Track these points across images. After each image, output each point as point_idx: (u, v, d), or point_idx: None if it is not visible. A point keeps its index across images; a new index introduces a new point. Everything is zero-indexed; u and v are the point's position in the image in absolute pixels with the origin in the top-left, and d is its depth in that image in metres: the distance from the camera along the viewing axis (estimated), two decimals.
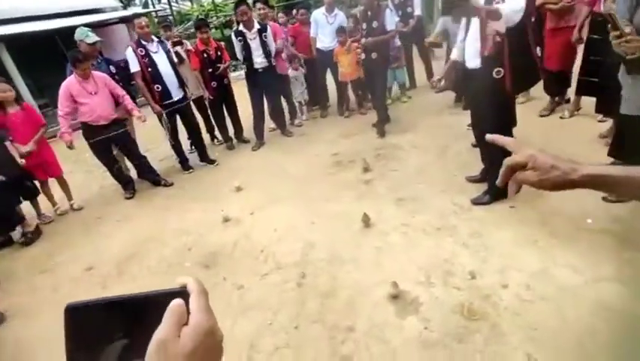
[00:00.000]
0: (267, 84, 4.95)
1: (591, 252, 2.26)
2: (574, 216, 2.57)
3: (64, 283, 3.02)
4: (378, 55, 4.47)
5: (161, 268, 2.97)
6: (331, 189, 3.65)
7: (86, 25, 4.43)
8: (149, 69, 4.25)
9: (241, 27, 4.71)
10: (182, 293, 0.43)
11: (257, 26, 4.73)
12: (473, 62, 2.76)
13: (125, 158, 4.56)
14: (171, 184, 4.51)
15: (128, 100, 4.13)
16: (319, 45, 5.35)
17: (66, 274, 3.13)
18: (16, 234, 3.71)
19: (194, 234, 3.35)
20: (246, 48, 4.74)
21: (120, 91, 4.09)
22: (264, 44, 4.74)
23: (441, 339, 1.90)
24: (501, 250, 2.40)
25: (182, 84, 4.56)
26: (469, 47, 2.77)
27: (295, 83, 5.55)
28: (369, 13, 4.37)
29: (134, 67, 4.25)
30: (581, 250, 2.29)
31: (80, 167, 5.65)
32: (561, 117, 3.99)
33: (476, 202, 2.97)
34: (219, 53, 4.89)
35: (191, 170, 4.80)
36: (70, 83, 3.83)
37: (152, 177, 4.55)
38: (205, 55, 4.78)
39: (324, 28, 5.26)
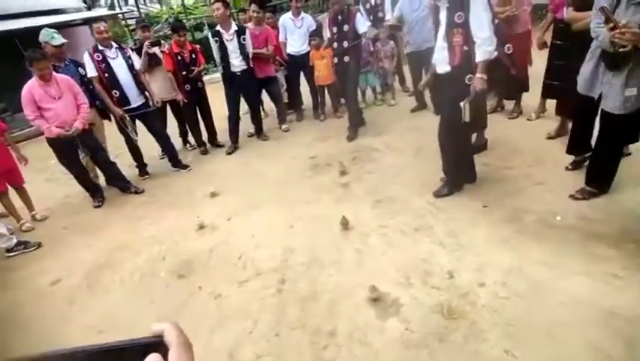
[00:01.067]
0: (245, 88, 4.87)
1: (561, 248, 2.35)
2: (543, 214, 2.67)
3: (29, 299, 2.85)
4: (351, 59, 4.49)
5: (134, 278, 2.85)
6: (309, 192, 3.64)
7: (47, 26, 4.22)
8: (106, 75, 4.15)
9: (219, 27, 4.64)
10: (159, 345, 0.37)
11: (234, 27, 4.65)
12: (442, 67, 2.87)
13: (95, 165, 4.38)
14: (142, 191, 4.36)
15: (83, 110, 3.86)
16: (289, 50, 5.32)
17: (30, 290, 2.95)
18: None
19: (169, 242, 3.24)
20: (223, 49, 4.64)
21: (81, 99, 3.87)
22: (242, 47, 4.65)
23: (422, 339, 1.91)
24: (476, 249, 2.45)
25: (142, 91, 4.43)
26: (438, 53, 2.86)
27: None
28: (339, 17, 4.38)
29: (91, 72, 4.12)
30: (551, 246, 2.38)
31: (43, 175, 5.37)
32: (528, 119, 4.16)
33: (437, 195, 3.11)
34: (194, 56, 4.80)
35: (147, 176, 4.72)
36: (32, 87, 3.60)
37: (121, 184, 4.39)
38: (179, 57, 4.68)
39: (292, 33, 5.24)
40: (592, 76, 2.56)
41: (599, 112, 2.60)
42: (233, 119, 5.05)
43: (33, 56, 3.54)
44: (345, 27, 4.39)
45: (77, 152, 4.01)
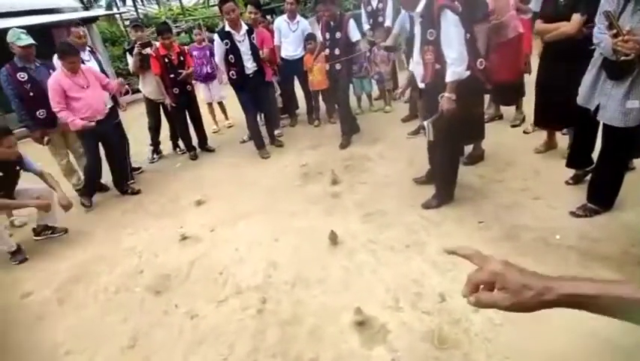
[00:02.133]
0: (257, 90, 4.53)
1: (559, 269, 2.19)
2: (542, 232, 2.52)
3: None
4: (342, 66, 4.36)
5: (108, 294, 2.69)
6: (298, 202, 3.48)
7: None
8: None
9: (227, 27, 4.26)
10: None
11: (245, 27, 4.35)
12: (419, 83, 2.83)
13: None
14: (138, 191, 4.28)
15: (111, 86, 4.04)
16: (284, 54, 5.13)
17: None
18: None
19: (148, 254, 3.08)
20: (235, 51, 4.31)
21: (105, 79, 4.02)
22: (253, 47, 4.38)
23: None
24: (471, 269, 2.29)
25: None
26: (415, 68, 2.83)
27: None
28: (332, 23, 4.24)
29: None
30: (550, 267, 2.22)
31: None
32: (525, 132, 4.01)
33: (426, 206, 3.00)
34: (182, 58, 4.65)
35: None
36: (59, 79, 3.64)
37: (123, 187, 4.29)
38: (166, 60, 4.53)
39: (287, 36, 5.07)
40: (591, 86, 2.43)
41: (601, 125, 2.46)
42: (254, 123, 4.69)
43: (65, 49, 3.62)
44: (338, 34, 4.24)
45: (98, 143, 4.01)
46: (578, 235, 2.44)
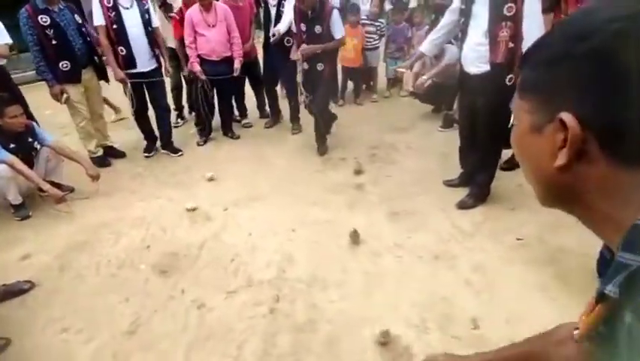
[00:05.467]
0: (280, 64, 4.21)
1: None
2: (588, 258, 2.28)
3: None
4: (325, 66, 3.60)
5: (111, 268, 2.52)
6: (318, 190, 3.26)
7: None
8: (114, 26, 3.48)
9: None
10: None
11: None
12: (477, 67, 2.51)
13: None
14: (238, 136, 4.44)
15: (236, 47, 3.99)
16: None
17: None
18: None
19: (156, 227, 2.90)
20: (266, 14, 4.13)
21: (233, 31, 3.95)
22: (279, 16, 4.01)
23: None
24: (508, 293, 2.09)
25: (155, 55, 3.80)
26: (471, 52, 2.52)
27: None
28: (309, 13, 3.46)
29: (98, 19, 3.47)
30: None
31: None
32: None
33: (461, 206, 2.83)
34: None
35: (153, 153, 4.11)
36: (193, 12, 3.81)
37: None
38: None
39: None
40: None
41: None
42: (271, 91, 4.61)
43: None
44: (317, 28, 3.46)
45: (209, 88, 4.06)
46: None
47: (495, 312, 1.97)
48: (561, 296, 2.04)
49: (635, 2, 0.38)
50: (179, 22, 4.06)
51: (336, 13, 3.51)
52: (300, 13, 3.51)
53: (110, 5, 3.46)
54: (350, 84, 5.33)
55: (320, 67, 3.60)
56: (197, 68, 3.87)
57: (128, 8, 3.55)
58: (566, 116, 0.41)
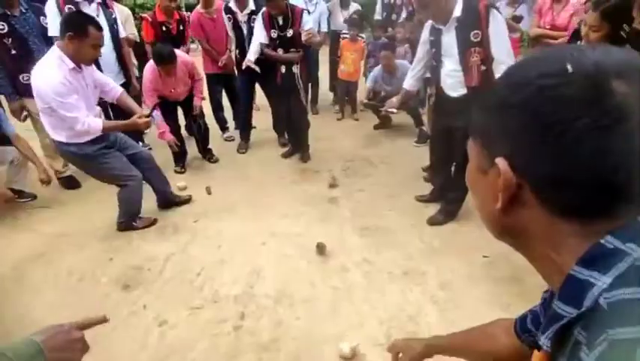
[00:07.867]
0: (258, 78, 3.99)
1: None
2: None
3: None
4: (300, 70, 3.64)
5: (71, 280, 2.42)
6: (291, 202, 3.23)
7: None
8: None
9: (231, 3, 3.75)
10: None
11: (251, 6, 3.72)
12: (456, 91, 2.59)
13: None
14: (216, 160, 4.05)
15: (198, 87, 3.64)
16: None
17: None
18: None
19: (121, 239, 2.81)
20: (238, 31, 3.84)
21: (197, 75, 3.58)
22: (251, 32, 3.70)
23: None
24: (472, 311, 2.11)
25: (123, 68, 3.55)
26: (448, 78, 2.60)
27: None
28: (279, 19, 3.43)
29: (53, 30, 2.97)
30: None
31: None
32: None
33: (432, 222, 2.88)
34: (182, 28, 4.06)
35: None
36: (152, 77, 3.30)
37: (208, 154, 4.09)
38: (164, 28, 3.91)
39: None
40: None
41: None
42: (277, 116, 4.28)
43: (161, 56, 3.16)
44: (290, 32, 3.46)
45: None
46: None
47: (458, 330, 1.99)
48: (522, 311, 2.07)
49: (566, 59, 0.38)
50: (151, 25, 3.89)
51: (305, 16, 3.55)
52: (270, 20, 3.47)
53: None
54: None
55: (295, 69, 3.63)
56: (169, 137, 3.37)
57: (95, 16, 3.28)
58: (501, 162, 0.42)
